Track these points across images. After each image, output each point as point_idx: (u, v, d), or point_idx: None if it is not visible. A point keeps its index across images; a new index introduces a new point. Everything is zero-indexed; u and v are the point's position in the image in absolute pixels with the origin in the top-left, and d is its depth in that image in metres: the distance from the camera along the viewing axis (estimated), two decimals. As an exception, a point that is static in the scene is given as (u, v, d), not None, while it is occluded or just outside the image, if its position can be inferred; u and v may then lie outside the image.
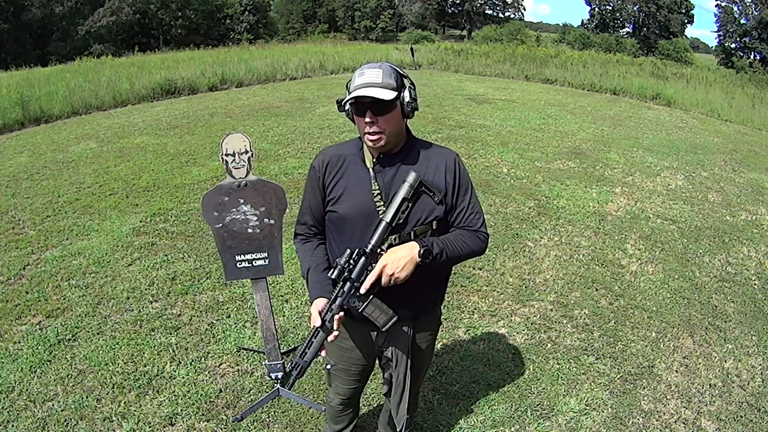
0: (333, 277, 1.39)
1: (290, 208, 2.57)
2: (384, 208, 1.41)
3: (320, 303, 1.41)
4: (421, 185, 1.40)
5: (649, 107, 11.00)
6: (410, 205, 1.40)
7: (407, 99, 1.38)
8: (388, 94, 1.32)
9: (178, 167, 5.56)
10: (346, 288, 1.38)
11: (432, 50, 18.20)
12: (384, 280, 1.35)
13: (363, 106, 1.35)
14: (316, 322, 1.38)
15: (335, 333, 1.39)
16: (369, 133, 1.37)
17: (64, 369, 2.57)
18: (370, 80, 1.34)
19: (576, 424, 2.37)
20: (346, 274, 1.38)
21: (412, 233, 1.42)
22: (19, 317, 3.00)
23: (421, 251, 1.35)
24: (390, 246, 1.40)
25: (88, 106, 8.57)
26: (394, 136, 1.41)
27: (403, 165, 1.45)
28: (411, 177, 1.39)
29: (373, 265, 1.38)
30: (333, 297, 1.39)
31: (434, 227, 1.46)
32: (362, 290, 1.37)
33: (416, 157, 1.47)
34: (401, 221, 1.40)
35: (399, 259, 1.35)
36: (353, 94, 1.33)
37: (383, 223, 1.37)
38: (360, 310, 1.39)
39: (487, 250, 4.09)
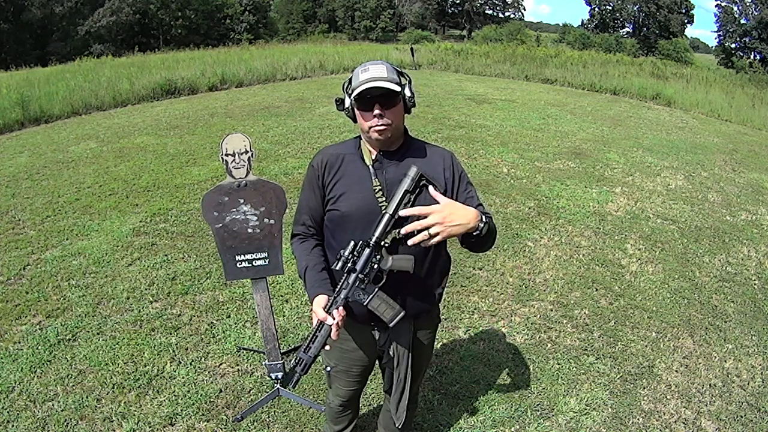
0: (337, 268, 1.38)
1: (290, 208, 2.56)
2: (386, 204, 1.41)
3: (322, 299, 1.40)
4: (422, 178, 1.41)
5: (649, 107, 11.00)
6: (412, 198, 1.40)
7: (408, 94, 1.43)
8: (397, 87, 1.37)
9: (178, 167, 5.56)
10: (350, 280, 1.37)
11: (432, 50, 18.20)
12: (427, 222, 1.26)
13: (371, 100, 1.36)
14: (320, 315, 1.35)
15: (337, 329, 1.37)
16: (376, 126, 1.38)
17: (64, 369, 2.57)
18: (377, 74, 1.37)
19: (576, 424, 2.37)
20: (350, 265, 1.37)
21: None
22: (19, 317, 3.00)
23: (483, 217, 1.31)
24: (394, 239, 1.40)
25: (88, 106, 8.57)
26: (397, 129, 1.44)
27: (403, 161, 1.46)
28: (412, 170, 1.40)
29: (377, 257, 1.38)
30: (337, 290, 1.39)
31: None
32: (402, 213, 1.29)
33: (414, 154, 1.50)
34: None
35: (457, 210, 1.28)
36: (363, 87, 1.34)
37: (386, 215, 1.37)
38: (366, 303, 1.38)
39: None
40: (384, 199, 1.42)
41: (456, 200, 1.49)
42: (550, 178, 5.59)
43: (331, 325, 1.34)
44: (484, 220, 1.33)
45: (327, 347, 1.38)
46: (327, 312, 1.36)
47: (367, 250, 1.37)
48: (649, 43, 40.54)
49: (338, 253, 1.40)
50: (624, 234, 4.38)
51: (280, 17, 44.09)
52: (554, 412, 2.42)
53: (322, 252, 1.56)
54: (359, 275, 1.37)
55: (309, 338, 1.37)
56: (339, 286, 1.39)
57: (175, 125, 7.39)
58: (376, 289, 1.39)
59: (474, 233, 1.32)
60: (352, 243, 1.38)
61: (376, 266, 1.38)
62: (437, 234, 1.27)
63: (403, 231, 1.31)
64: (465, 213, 1.30)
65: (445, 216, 1.27)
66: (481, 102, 9.77)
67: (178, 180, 5.17)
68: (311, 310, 1.41)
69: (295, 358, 1.39)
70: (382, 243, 1.38)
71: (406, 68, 13.91)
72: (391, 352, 1.59)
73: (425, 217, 1.28)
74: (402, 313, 1.40)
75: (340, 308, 1.36)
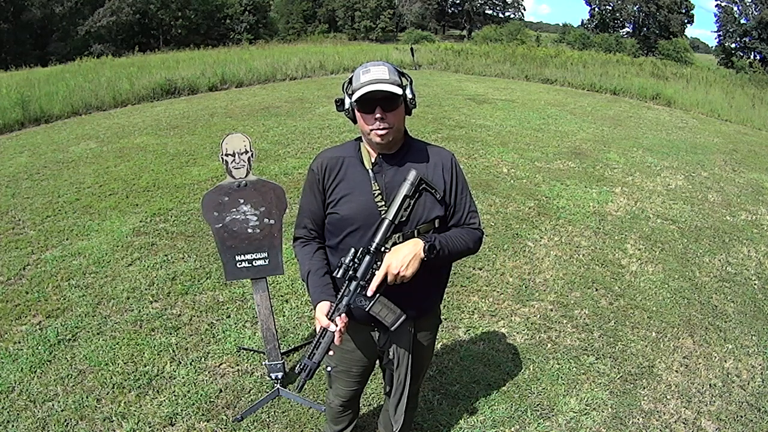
0: (338, 276, 1.39)
1: (290, 208, 2.56)
2: (386, 208, 1.41)
3: (325, 306, 1.40)
4: (422, 182, 1.41)
5: (649, 107, 11.00)
6: (412, 203, 1.40)
7: (409, 96, 1.41)
8: (398, 90, 1.35)
9: (178, 167, 5.56)
10: (352, 287, 1.38)
11: (432, 50, 18.18)
12: (390, 279, 1.36)
13: (372, 103, 1.35)
14: (323, 322, 1.37)
15: (340, 335, 1.38)
16: (378, 129, 1.37)
17: (64, 369, 2.57)
18: (378, 77, 1.35)
19: (576, 424, 2.37)
20: (351, 272, 1.38)
21: (415, 232, 1.43)
22: (19, 317, 3.00)
23: (426, 246, 1.37)
24: (394, 244, 1.40)
25: (88, 106, 8.57)
26: (398, 131, 1.43)
27: (402, 164, 1.45)
28: (412, 175, 1.39)
29: (378, 264, 1.38)
30: (339, 296, 1.39)
31: (436, 226, 1.47)
32: (369, 292, 1.37)
33: (414, 156, 1.49)
34: (404, 219, 1.41)
35: (403, 257, 1.35)
36: (365, 90, 1.33)
37: (386, 221, 1.38)
38: (367, 309, 1.39)
39: (487, 250, 4.08)
40: (383, 203, 1.42)
41: (450, 203, 1.49)
42: (550, 178, 5.59)
43: (334, 332, 1.36)
44: (425, 247, 1.37)
45: (331, 352, 1.40)
46: (330, 319, 1.37)
47: (367, 257, 1.38)
48: (649, 43, 40.53)
49: (339, 256, 1.41)
50: (624, 234, 4.37)
51: (280, 17, 44.05)
52: (554, 412, 2.42)
53: (324, 255, 1.56)
54: (360, 282, 1.38)
55: (313, 344, 1.39)
56: (341, 293, 1.39)
57: (175, 125, 7.39)
58: (378, 295, 1.39)
59: (425, 259, 1.38)
60: (353, 250, 1.38)
61: (377, 272, 1.39)
62: (405, 270, 1.35)
63: (370, 293, 1.38)
64: (407, 247, 1.37)
65: (396, 258, 1.35)
66: (481, 102, 9.77)
67: (178, 180, 5.17)
68: (312, 310, 1.42)
69: (299, 364, 1.40)
70: (383, 249, 1.39)
71: (406, 68, 13.91)
72: (391, 354, 1.60)
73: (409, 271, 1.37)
74: (403, 317, 1.41)
75: (343, 315, 1.37)
